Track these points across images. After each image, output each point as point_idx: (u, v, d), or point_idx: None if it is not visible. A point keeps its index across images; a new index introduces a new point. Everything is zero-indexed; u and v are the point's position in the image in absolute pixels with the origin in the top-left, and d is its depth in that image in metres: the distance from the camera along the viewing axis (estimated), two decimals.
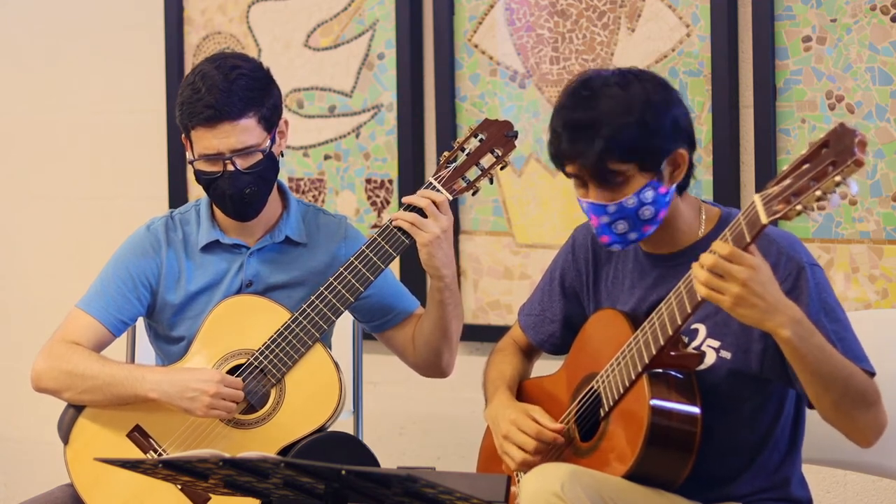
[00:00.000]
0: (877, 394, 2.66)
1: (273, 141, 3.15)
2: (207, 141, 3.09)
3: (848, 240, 3.59)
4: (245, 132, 3.09)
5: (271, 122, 3.13)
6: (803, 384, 2.62)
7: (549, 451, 2.80)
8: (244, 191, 3.11)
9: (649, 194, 2.70)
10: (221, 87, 3.06)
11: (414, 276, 3.89)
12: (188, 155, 3.16)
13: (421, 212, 3.09)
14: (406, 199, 3.11)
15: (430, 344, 3.23)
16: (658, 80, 2.77)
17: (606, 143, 2.66)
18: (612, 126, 2.66)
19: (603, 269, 2.93)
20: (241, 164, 3.10)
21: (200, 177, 3.14)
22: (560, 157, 2.74)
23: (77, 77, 4.78)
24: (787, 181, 2.42)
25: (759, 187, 3.65)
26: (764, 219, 2.45)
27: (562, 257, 3.01)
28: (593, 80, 2.73)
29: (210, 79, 3.07)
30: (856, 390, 2.61)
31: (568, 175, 2.76)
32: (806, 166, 2.41)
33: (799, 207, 2.40)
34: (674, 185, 2.73)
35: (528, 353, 3.12)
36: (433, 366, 3.28)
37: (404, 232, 3.10)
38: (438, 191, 3.12)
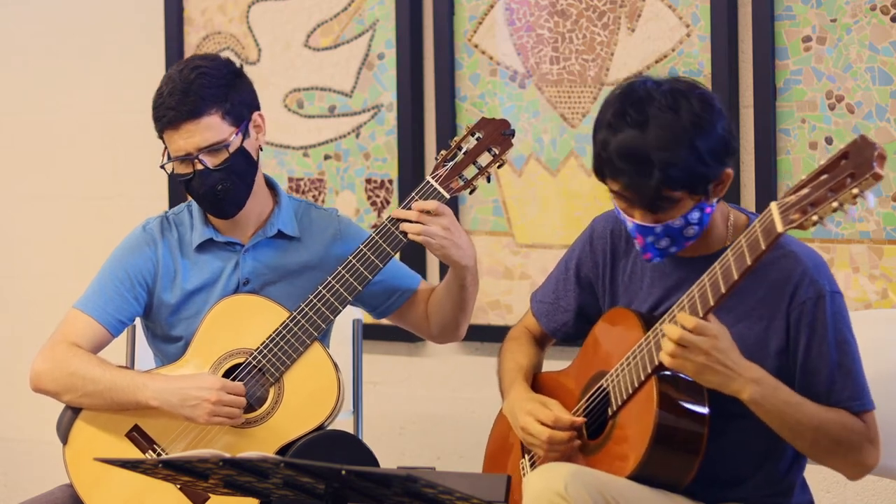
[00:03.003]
0: (857, 439, 2.68)
1: (245, 136, 3.15)
2: (175, 143, 3.12)
3: (848, 240, 3.59)
4: (209, 129, 3.10)
5: (239, 116, 3.14)
6: (776, 432, 2.67)
7: (566, 441, 2.80)
8: (216, 188, 3.12)
9: (696, 215, 2.69)
10: (181, 89, 3.10)
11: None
12: (162, 159, 3.18)
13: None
14: (396, 214, 3.10)
15: (449, 318, 3.26)
16: (704, 95, 2.70)
17: (662, 176, 2.62)
18: (665, 159, 2.62)
19: (620, 263, 2.92)
20: (210, 161, 3.11)
21: (177, 180, 3.17)
22: (606, 176, 2.71)
23: (77, 77, 4.78)
24: (805, 191, 2.42)
25: (759, 187, 3.66)
26: (780, 227, 2.46)
27: (579, 246, 2.99)
28: (642, 99, 2.67)
29: (172, 82, 3.12)
30: (828, 439, 2.66)
31: (611, 190, 2.73)
32: (824, 177, 2.40)
33: (815, 218, 2.40)
34: (716, 200, 2.72)
35: (541, 341, 3.11)
36: (450, 335, 3.32)
37: (402, 231, 3.10)
38: (436, 189, 3.12)
